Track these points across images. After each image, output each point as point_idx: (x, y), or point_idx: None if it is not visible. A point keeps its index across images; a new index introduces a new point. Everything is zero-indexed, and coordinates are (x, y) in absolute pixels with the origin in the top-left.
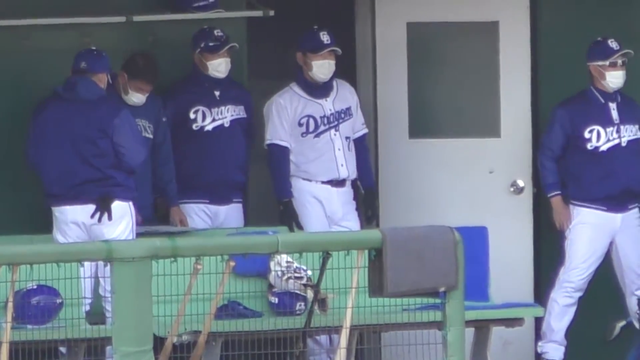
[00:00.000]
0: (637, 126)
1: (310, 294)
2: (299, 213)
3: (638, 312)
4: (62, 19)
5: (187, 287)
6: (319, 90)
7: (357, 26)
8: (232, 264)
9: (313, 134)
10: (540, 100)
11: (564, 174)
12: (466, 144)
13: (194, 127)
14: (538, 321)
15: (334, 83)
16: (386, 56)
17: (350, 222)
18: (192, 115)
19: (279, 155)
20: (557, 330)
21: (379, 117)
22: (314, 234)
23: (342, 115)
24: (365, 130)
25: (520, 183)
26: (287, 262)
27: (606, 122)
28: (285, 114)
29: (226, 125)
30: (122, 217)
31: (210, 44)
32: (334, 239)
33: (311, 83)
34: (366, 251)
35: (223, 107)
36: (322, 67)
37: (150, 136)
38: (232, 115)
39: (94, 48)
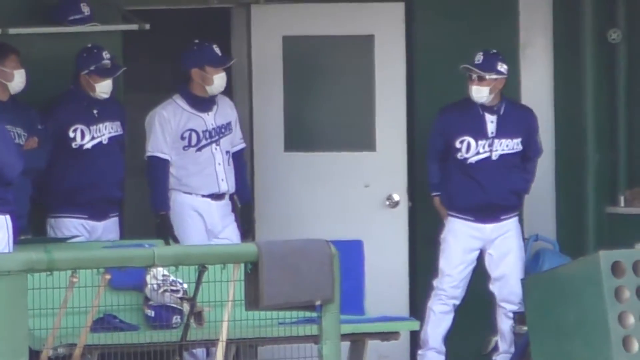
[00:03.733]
0: (518, 139)
1: (186, 307)
2: (179, 226)
3: (512, 325)
4: None
5: (63, 300)
6: (203, 104)
7: (233, 40)
8: (108, 277)
9: (195, 148)
10: (415, 114)
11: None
12: (341, 158)
13: (73, 145)
14: (413, 335)
15: (216, 97)
16: (262, 70)
17: (230, 233)
18: (71, 134)
19: (159, 168)
20: (434, 337)
21: (255, 130)
22: (190, 247)
23: (223, 130)
24: (243, 145)
25: (396, 197)
26: (163, 275)
27: (479, 134)
28: (168, 126)
29: (104, 142)
30: None
31: (102, 67)
32: (210, 252)
33: (196, 96)
34: (242, 264)
35: (101, 125)
36: (222, 81)
37: (22, 143)
38: (110, 132)
39: None
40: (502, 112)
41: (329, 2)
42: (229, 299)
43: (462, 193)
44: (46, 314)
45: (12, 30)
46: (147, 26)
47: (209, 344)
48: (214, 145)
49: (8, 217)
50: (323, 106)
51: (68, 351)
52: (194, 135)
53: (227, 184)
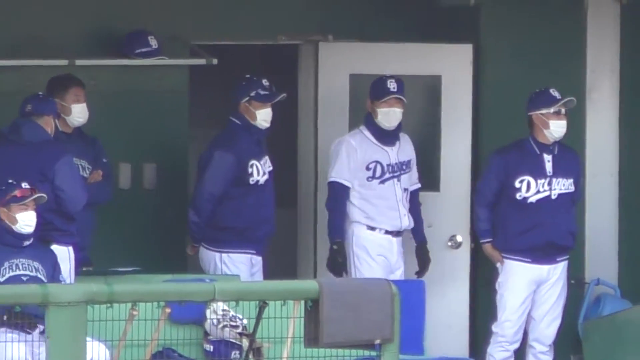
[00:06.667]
0: (571, 180)
1: (245, 342)
2: (362, 264)
3: None
4: (4, 61)
5: (122, 333)
6: (388, 137)
7: (300, 75)
8: (168, 310)
9: (378, 180)
10: (480, 156)
11: (494, 223)
12: None
13: (251, 181)
14: None
15: (399, 134)
16: (328, 106)
17: (401, 270)
18: (249, 170)
19: (341, 194)
20: None
21: (319, 165)
22: (250, 282)
23: (404, 167)
24: (419, 185)
25: (459, 238)
26: (223, 310)
27: (538, 173)
28: (354, 155)
29: (267, 177)
30: (61, 262)
31: (262, 92)
32: (271, 289)
33: (382, 130)
34: (302, 301)
35: (265, 159)
36: (387, 115)
37: (87, 176)
38: (269, 167)
39: (40, 93)
40: (556, 151)
41: (397, 41)
42: (288, 336)
43: (523, 233)
44: (105, 346)
45: (79, 62)
46: (215, 61)
47: None
48: (395, 180)
49: (71, 248)
50: None
51: None
52: (378, 167)
53: (408, 219)
